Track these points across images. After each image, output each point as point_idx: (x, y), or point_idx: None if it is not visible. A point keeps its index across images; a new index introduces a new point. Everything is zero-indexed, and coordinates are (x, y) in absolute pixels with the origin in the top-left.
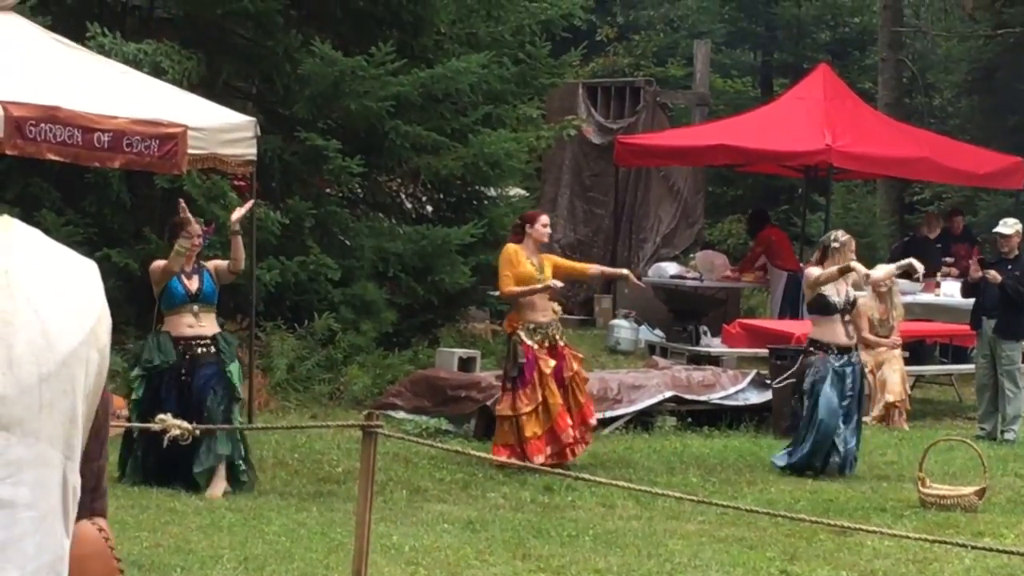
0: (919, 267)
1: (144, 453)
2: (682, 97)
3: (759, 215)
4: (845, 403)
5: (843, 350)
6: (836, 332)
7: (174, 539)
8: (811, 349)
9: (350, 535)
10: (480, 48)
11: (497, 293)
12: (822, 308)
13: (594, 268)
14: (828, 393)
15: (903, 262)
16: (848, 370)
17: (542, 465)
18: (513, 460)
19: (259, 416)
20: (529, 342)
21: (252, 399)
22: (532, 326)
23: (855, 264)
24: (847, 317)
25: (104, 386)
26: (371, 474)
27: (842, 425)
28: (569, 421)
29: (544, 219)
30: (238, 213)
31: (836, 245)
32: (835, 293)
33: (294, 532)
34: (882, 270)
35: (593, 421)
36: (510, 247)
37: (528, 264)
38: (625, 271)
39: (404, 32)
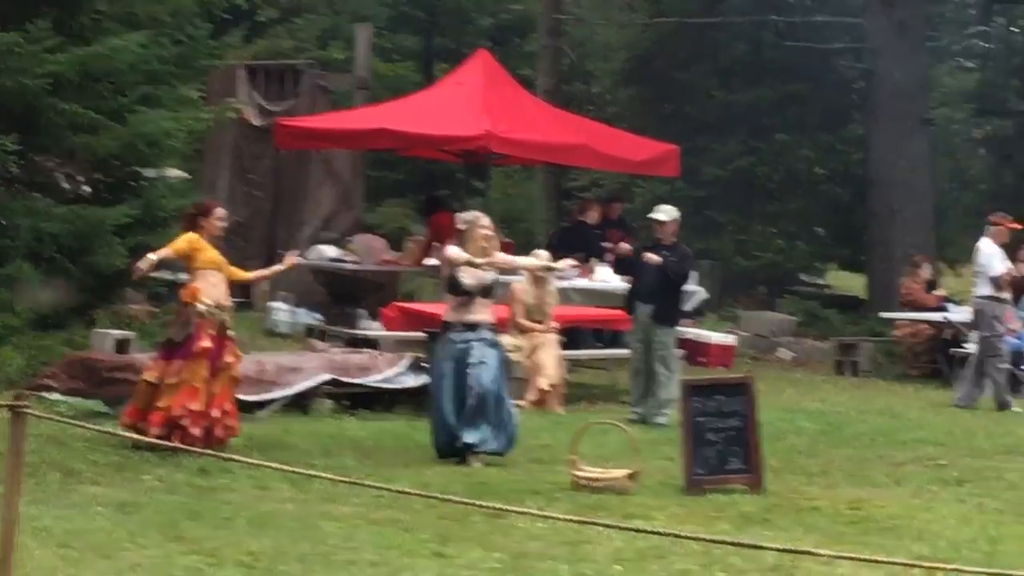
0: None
1: None
2: (343, 80)
3: (433, 200)
4: (477, 381)
5: (469, 326)
6: (464, 311)
7: None
8: (438, 331)
9: None
10: (139, 27)
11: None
12: (453, 289)
13: (253, 275)
14: (446, 374)
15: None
16: (475, 344)
17: (192, 446)
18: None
19: None
20: (201, 319)
21: None
22: (208, 304)
23: (482, 263)
24: (482, 299)
25: None
26: (20, 455)
27: (462, 406)
28: (194, 405)
29: (220, 211)
30: None
31: (463, 226)
32: (470, 276)
33: None
34: (527, 261)
35: (232, 422)
36: (192, 235)
37: (214, 249)
38: (287, 261)
39: (62, 9)
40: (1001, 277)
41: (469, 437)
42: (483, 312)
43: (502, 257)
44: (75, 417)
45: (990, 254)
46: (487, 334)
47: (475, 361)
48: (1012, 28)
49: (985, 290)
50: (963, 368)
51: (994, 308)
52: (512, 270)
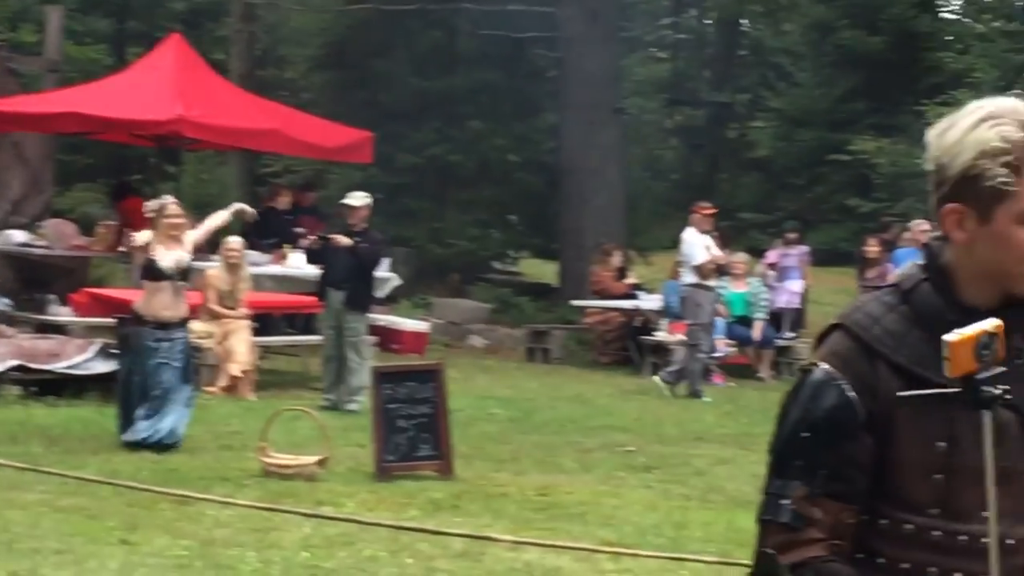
0: (250, 210)
1: None
2: (33, 63)
3: (123, 186)
4: (161, 377)
5: (163, 324)
6: (159, 303)
7: None
8: (130, 319)
9: None
10: None
11: None
12: (150, 273)
13: None
14: (132, 368)
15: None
16: (165, 344)
17: None
18: None
19: None
20: None
21: None
22: None
23: (147, 241)
24: (180, 284)
25: None
26: None
27: (155, 399)
28: None
29: None
30: None
31: (151, 215)
32: (166, 259)
33: None
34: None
35: None
36: None
37: None
38: None
39: None
40: (704, 265)
41: (149, 429)
42: (176, 305)
43: (194, 232)
44: None
45: (692, 243)
46: (177, 333)
47: (162, 360)
48: (703, 19)
49: (689, 278)
50: (672, 352)
51: (697, 296)
52: (203, 252)
